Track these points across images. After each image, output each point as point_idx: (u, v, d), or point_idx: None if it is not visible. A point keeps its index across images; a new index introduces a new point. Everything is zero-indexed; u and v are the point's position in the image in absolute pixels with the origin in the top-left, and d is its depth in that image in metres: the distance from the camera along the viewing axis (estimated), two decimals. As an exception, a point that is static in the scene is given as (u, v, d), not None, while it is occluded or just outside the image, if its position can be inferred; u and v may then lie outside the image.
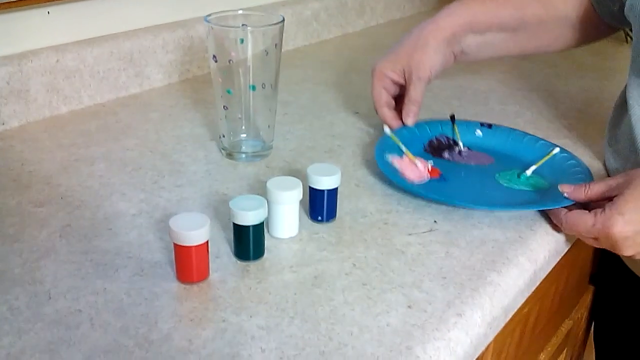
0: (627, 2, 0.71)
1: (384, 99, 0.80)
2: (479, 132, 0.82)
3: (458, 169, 0.76)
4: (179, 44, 1.01)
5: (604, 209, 0.61)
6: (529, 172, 0.74)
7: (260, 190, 0.68)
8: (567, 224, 0.64)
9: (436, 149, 0.80)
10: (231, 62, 0.72)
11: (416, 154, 0.76)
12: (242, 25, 0.73)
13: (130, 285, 0.55)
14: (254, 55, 0.72)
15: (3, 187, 0.70)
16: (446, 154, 0.79)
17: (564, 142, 0.84)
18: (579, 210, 0.64)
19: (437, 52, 0.77)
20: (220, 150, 0.79)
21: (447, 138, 0.82)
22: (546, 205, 0.67)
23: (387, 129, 0.78)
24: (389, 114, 0.80)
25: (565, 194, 0.66)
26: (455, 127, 0.82)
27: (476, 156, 0.79)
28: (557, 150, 0.77)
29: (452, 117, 0.83)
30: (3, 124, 0.83)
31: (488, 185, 0.72)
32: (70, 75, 0.88)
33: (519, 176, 0.74)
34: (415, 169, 0.73)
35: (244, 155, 0.77)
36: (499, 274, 0.58)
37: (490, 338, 0.57)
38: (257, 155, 0.77)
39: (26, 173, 0.73)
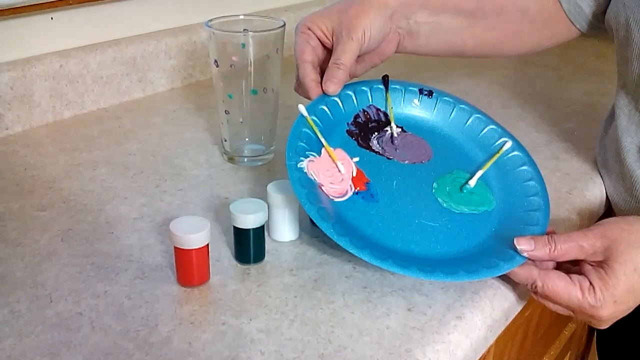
0: (608, 9, 0.70)
1: (308, 56, 0.64)
2: (416, 102, 0.69)
3: (389, 174, 0.62)
4: (181, 49, 1.01)
5: (592, 286, 0.53)
6: (472, 182, 0.63)
7: (262, 194, 0.68)
8: (545, 291, 0.54)
9: (363, 129, 0.65)
10: (233, 66, 0.73)
11: (339, 138, 0.63)
12: (244, 30, 0.74)
13: (131, 289, 0.55)
14: (256, 60, 0.72)
15: (6, 191, 0.70)
16: (375, 141, 0.65)
17: (565, 145, 0.84)
18: (559, 276, 0.54)
19: (376, 17, 0.64)
20: (222, 155, 0.79)
21: (378, 110, 0.67)
22: (496, 267, 0.55)
23: (301, 108, 0.62)
24: (311, 73, 0.64)
25: (524, 254, 0.55)
26: (389, 96, 0.68)
27: (411, 146, 0.65)
28: (508, 145, 0.66)
29: (386, 80, 0.69)
30: (7, 129, 0.84)
31: (425, 210, 0.60)
32: (74, 80, 0.89)
33: (461, 189, 0.62)
34: (337, 174, 0.59)
35: (245, 159, 0.77)
36: (500, 277, 0.58)
37: (491, 341, 0.57)
38: (259, 159, 0.78)
39: (29, 177, 0.73)
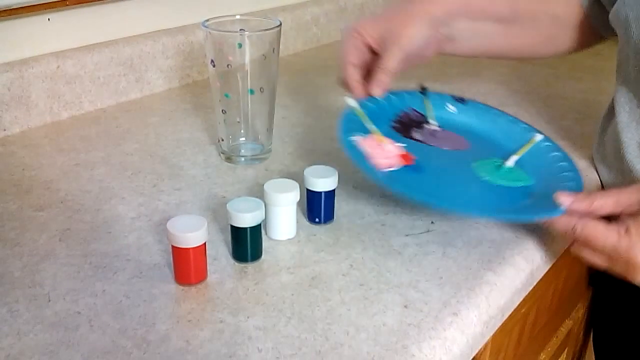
0: (613, 8, 0.71)
1: (353, 58, 0.70)
2: (451, 108, 0.75)
3: (432, 155, 0.68)
4: (178, 49, 1.02)
5: (628, 231, 0.56)
6: (509, 162, 0.68)
7: (259, 193, 0.69)
8: (583, 234, 0.57)
9: (405, 126, 0.71)
10: (229, 66, 0.73)
11: (383, 132, 0.68)
12: (240, 30, 0.74)
13: (129, 287, 0.55)
14: (252, 60, 0.73)
15: (4, 192, 0.70)
16: (417, 134, 0.71)
17: (561, 144, 0.84)
18: (598, 222, 0.57)
19: (421, 26, 0.70)
20: (220, 154, 0.79)
21: (417, 112, 0.74)
22: (537, 213, 0.61)
23: (350, 100, 0.69)
24: (354, 74, 0.70)
25: (564, 206, 0.59)
26: (427, 101, 0.75)
27: (450, 138, 0.71)
28: (539, 137, 0.72)
29: (423, 89, 0.76)
30: (4, 130, 0.84)
31: (466, 178, 0.66)
32: (71, 81, 0.89)
33: (498, 168, 0.68)
34: (386, 152, 0.65)
35: (242, 159, 0.77)
36: (495, 274, 0.59)
37: (487, 337, 0.57)
38: (256, 159, 0.78)
39: (27, 178, 0.73)
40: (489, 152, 0.70)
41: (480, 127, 0.74)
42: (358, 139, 0.64)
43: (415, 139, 0.70)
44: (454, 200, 0.61)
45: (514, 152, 0.70)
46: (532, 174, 0.68)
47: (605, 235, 0.56)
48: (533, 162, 0.69)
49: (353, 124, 0.66)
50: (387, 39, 0.69)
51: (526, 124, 0.74)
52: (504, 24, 0.76)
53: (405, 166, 0.64)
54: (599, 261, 0.59)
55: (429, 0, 0.71)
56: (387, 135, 0.67)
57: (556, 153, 0.70)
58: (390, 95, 0.72)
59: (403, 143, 0.67)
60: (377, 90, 0.69)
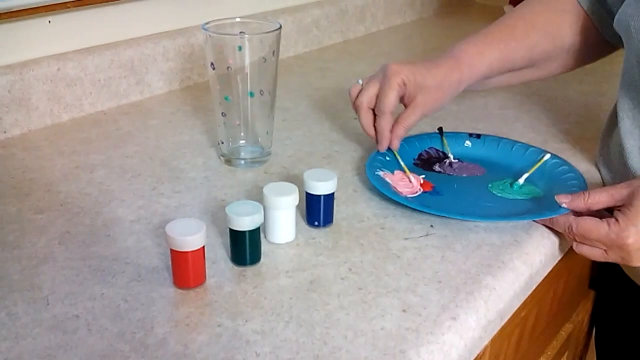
0: (616, 16, 0.71)
1: (390, 106, 0.74)
2: (468, 143, 0.82)
3: (450, 181, 0.75)
4: (179, 51, 1.02)
5: (617, 220, 0.60)
6: (521, 180, 0.73)
7: (259, 196, 0.69)
8: (579, 230, 0.62)
9: (426, 162, 0.79)
10: (229, 69, 0.73)
11: (407, 167, 0.76)
12: (240, 32, 0.74)
13: (127, 291, 0.55)
14: (252, 63, 0.73)
15: (4, 194, 0.71)
16: (437, 167, 0.78)
17: (561, 147, 0.84)
18: (591, 217, 0.62)
19: (449, 98, 0.77)
20: (219, 157, 0.79)
21: (437, 150, 0.81)
22: (543, 214, 0.66)
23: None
24: (369, 118, 0.76)
25: (564, 205, 0.65)
26: (444, 140, 0.82)
27: (467, 167, 0.78)
28: (547, 156, 0.77)
29: (440, 130, 0.83)
30: (5, 132, 0.84)
31: (481, 196, 0.72)
32: (72, 83, 0.89)
33: (511, 185, 0.73)
34: (408, 182, 0.72)
35: (242, 162, 0.77)
36: (494, 278, 0.59)
37: (486, 341, 0.57)
38: (256, 162, 0.78)
39: (27, 180, 0.73)
40: (503, 174, 0.76)
41: (494, 155, 0.80)
42: (383, 174, 0.73)
43: (435, 171, 0.77)
44: (465, 210, 0.68)
45: (525, 172, 0.75)
46: (542, 187, 0.73)
47: (598, 227, 0.61)
48: (543, 177, 0.74)
49: (379, 163, 0.75)
50: (416, 101, 0.75)
51: (536, 147, 0.80)
52: (518, 70, 0.81)
53: (425, 192, 0.72)
54: (597, 254, 0.63)
55: (460, 75, 0.76)
56: (409, 170, 0.75)
57: (564, 167, 0.75)
58: (412, 139, 0.81)
59: (423, 175, 0.75)
60: (396, 143, 0.76)
